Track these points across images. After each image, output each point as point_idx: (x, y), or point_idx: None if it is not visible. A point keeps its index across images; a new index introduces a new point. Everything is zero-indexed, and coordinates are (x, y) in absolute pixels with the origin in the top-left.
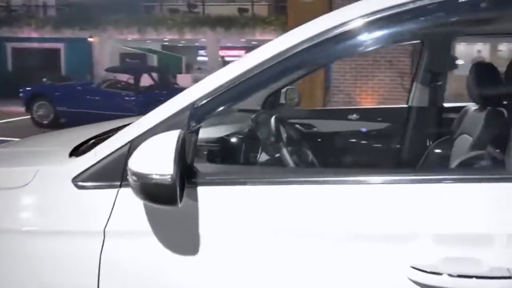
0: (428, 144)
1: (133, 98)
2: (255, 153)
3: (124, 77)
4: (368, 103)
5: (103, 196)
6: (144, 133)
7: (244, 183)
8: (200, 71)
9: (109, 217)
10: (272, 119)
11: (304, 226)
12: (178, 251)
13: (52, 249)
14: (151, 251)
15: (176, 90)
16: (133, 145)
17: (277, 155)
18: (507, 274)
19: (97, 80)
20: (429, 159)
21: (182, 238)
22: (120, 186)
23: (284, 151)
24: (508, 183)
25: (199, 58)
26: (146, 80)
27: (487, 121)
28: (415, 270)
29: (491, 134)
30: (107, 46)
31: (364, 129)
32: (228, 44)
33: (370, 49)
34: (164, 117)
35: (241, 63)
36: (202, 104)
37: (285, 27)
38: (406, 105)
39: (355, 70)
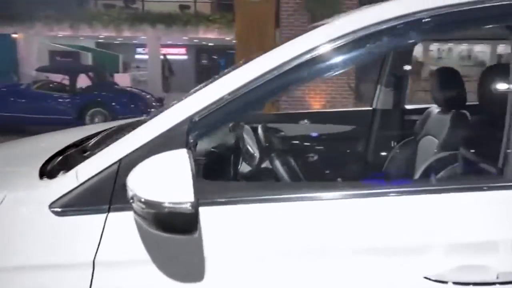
0: (392, 145)
1: (68, 100)
2: (250, 165)
3: (57, 77)
4: (316, 103)
5: (90, 223)
6: (135, 150)
7: (250, 202)
8: (139, 70)
9: (98, 245)
10: (246, 128)
11: (317, 242)
12: (181, 279)
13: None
14: (150, 281)
15: (118, 90)
16: (123, 164)
17: (262, 165)
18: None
19: (26, 80)
20: (394, 160)
21: (186, 265)
22: (109, 210)
23: (277, 163)
24: (507, 191)
25: (138, 56)
26: (82, 80)
27: (453, 124)
28: (428, 280)
29: (457, 136)
30: (34, 43)
31: (315, 134)
32: (169, 42)
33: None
34: (157, 132)
35: (242, 74)
36: (201, 118)
37: (230, 25)
38: (370, 108)
39: None
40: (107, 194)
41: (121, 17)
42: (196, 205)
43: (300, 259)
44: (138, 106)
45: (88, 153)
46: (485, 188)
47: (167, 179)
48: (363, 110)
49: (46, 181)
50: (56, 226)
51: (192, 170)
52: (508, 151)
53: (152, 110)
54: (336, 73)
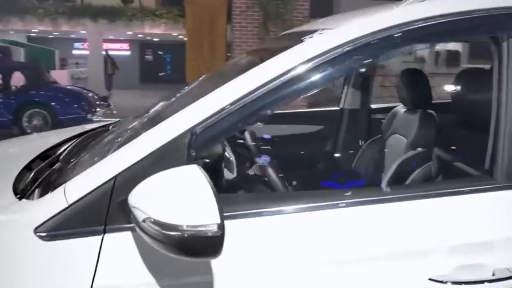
0: (360, 144)
1: (1, 100)
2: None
3: None
4: (298, 103)
5: (83, 246)
6: (132, 166)
7: (265, 214)
8: (78, 66)
9: (95, 270)
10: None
11: (333, 251)
12: None
13: None
14: None
15: (57, 89)
16: (118, 181)
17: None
18: (509, 275)
19: None
20: (363, 158)
21: (197, 285)
22: (105, 231)
23: (270, 170)
24: (499, 192)
25: (76, 52)
26: (17, 79)
27: (422, 123)
28: (433, 282)
29: (427, 135)
30: None
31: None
32: (111, 37)
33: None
34: (155, 146)
35: (246, 82)
36: (203, 130)
37: (177, 21)
38: (338, 108)
39: None
40: (101, 214)
41: (59, 10)
42: (222, 226)
43: (319, 269)
44: (81, 106)
45: (62, 165)
46: (477, 190)
47: (185, 199)
48: (331, 110)
49: (26, 202)
50: (44, 252)
51: (212, 188)
52: (497, 152)
53: (98, 109)
54: (336, 79)
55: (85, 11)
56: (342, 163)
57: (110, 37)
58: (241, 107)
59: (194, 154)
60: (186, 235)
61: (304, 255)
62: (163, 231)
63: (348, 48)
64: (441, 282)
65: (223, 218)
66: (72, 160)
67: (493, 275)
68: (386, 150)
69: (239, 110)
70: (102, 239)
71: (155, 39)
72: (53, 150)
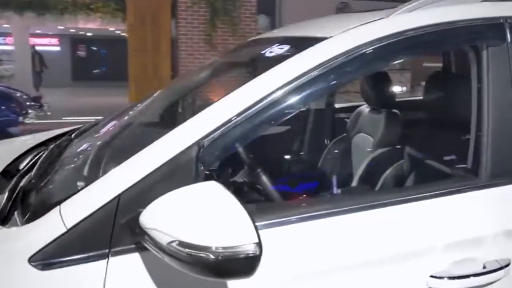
0: (326, 143)
1: None
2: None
3: None
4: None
5: (87, 273)
6: (136, 183)
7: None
8: (2, 63)
9: None
10: None
11: (354, 255)
12: None
13: None
14: None
15: None
16: (122, 201)
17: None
18: (498, 266)
19: None
20: (329, 157)
21: None
22: (109, 255)
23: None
24: (484, 190)
25: None
26: None
27: (388, 123)
28: (433, 278)
29: (393, 133)
30: None
31: None
32: (38, 31)
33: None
34: (161, 161)
35: (253, 91)
36: (212, 142)
37: (115, 15)
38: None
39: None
40: (105, 236)
41: None
42: (260, 245)
43: (347, 273)
44: (10, 108)
45: (42, 181)
46: (465, 190)
47: (214, 218)
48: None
49: (13, 228)
50: (42, 283)
51: (242, 205)
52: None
53: (30, 111)
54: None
55: (9, 3)
56: (308, 162)
57: (38, 31)
58: (250, 117)
59: (202, 168)
60: (221, 256)
61: (324, 260)
62: (195, 254)
63: (354, 55)
64: (440, 278)
65: (259, 236)
66: (52, 175)
67: (484, 267)
68: (352, 148)
69: (248, 120)
70: (107, 263)
71: (89, 34)
72: (16, 164)
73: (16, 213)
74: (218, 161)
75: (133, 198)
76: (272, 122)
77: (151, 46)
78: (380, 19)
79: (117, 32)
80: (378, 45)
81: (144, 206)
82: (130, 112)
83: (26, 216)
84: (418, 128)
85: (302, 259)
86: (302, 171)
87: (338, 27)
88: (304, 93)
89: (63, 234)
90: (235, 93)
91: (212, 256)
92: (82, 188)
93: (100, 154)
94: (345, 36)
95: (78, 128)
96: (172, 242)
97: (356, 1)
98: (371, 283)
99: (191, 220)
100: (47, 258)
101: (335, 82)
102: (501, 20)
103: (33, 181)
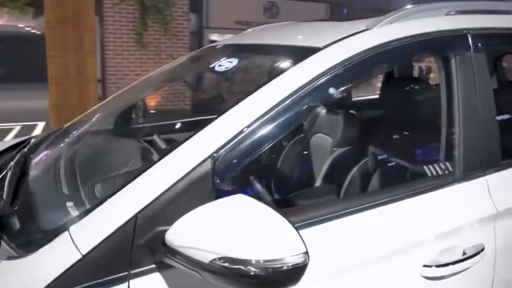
0: (284, 143)
1: None
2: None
3: None
4: (151, 100)
5: None
6: (153, 202)
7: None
8: None
9: None
10: None
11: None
12: None
13: None
14: None
15: None
16: (140, 220)
17: None
18: (475, 251)
19: None
20: (288, 157)
21: None
22: (129, 277)
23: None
24: (459, 184)
25: None
26: None
27: (346, 123)
28: (425, 267)
29: (351, 133)
30: None
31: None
32: None
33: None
34: (176, 177)
35: (263, 99)
36: (226, 154)
37: (24, 10)
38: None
39: (134, 64)
40: (124, 258)
41: None
42: (308, 253)
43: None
44: None
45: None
46: (442, 185)
47: (257, 231)
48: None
49: (12, 260)
50: None
51: (282, 216)
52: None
53: None
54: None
55: None
56: (267, 163)
57: None
58: (262, 126)
59: (218, 181)
60: (271, 269)
61: (336, 261)
62: (245, 269)
63: (350, 64)
64: (429, 266)
65: (306, 244)
66: (32, 196)
67: (464, 254)
68: (311, 148)
69: (261, 129)
70: (129, 286)
71: None
72: None
73: (2, 242)
74: (232, 173)
75: (151, 217)
76: (280, 130)
77: (73, 45)
78: (365, 30)
79: (27, 29)
80: (369, 55)
81: (163, 224)
82: (93, 120)
83: (22, 245)
84: (377, 128)
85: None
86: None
87: (323, 37)
88: (308, 102)
89: (78, 261)
90: (243, 103)
91: (262, 270)
92: (89, 210)
93: (80, 168)
94: (340, 47)
95: (28, 141)
96: (216, 259)
97: (284, 0)
98: (379, 276)
99: (234, 235)
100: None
101: (335, 89)
102: (465, 31)
103: (9, 205)
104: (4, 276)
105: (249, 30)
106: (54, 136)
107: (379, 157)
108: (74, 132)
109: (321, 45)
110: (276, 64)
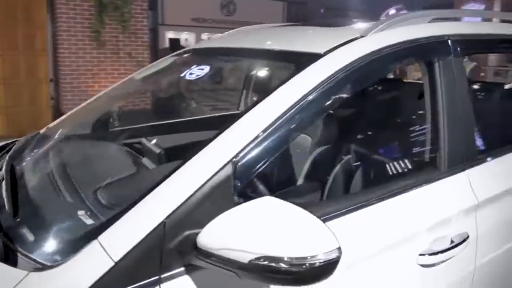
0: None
1: None
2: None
3: None
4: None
5: None
6: (180, 206)
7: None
8: None
9: None
10: None
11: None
12: None
13: None
14: None
15: None
16: (168, 225)
17: None
18: (462, 239)
19: None
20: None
21: None
22: (160, 281)
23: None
24: (444, 179)
25: None
26: None
27: (325, 123)
28: (421, 256)
29: (331, 132)
30: None
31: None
32: None
33: None
34: (199, 182)
35: (277, 103)
36: (244, 159)
37: None
38: (237, 111)
39: (91, 64)
40: (154, 263)
41: None
42: (340, 248)
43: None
44: None
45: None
46: (430, 180)
47: (293, 230)
48: (230, 114)
49: (46, 270)
50: None
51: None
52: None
53: None
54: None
55: None
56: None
57: None
58: (278, 128)
59: (239, 185)
60: (312, 265)
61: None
62: (285, 267)
63: (351, 70)
64: (424, 255)
65: (338, 240)
66: (37, 206)
67: (452, 242)
68: (290, 148)
69: (275, 133)
70: None
71: None
72: None
73: (19, 254)
74: (251, 176)
75: (178, 221)
76: (294, 134)
77: (23, 43)
78: (361, 37)
79: None
80: (366, 60)
81: (189, 228)
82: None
83: (45, 256)
84: (355, 126)
85: None
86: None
87: (321, 43)
88: (317, 106)
89: (111, 268)
90: (256, 109)
91: (300, 266)
92: (115, 217)
93: (76, 176)
94: (340, 53)
95: (10, 147)
96: (255, 258)
97: None
98: (385, 265)
99: (269, 235)
100: None
101: (341, 92)
102: (446, 38)
103: (12, 216)
104: (35, 287)
105: (232, 32)
106: (39, 141)
107: (359, 154)
108: (57, 137)
109: (321, 51)
110: (282, 69)
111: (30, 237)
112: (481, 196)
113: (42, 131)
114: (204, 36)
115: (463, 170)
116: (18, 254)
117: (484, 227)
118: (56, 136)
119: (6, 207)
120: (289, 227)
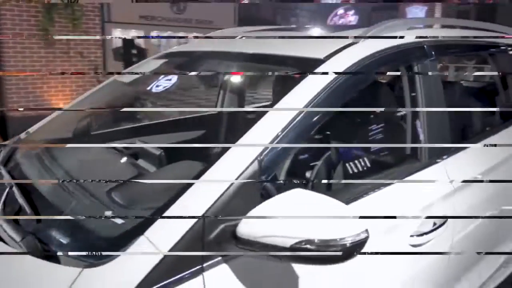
0: None
1: None
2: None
3: None
4: (60, 100)
5: None
6: (216, 201)
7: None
8: None
9: None
10: None
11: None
12: None
13: None
14: None
15: None
16: (207, 220)
17: None
18: (443, 221)
19: None
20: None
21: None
22: (203, 269)
23: None
24: (426, 169)
25: None
26: None
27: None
28: (411, 237)
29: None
30: None
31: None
32: None
33: None
34: (231, 179)
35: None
36: (268, 155)
37: None
38: (215, 111)
39: (39, 63)
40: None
41: None
42: (368, 230)
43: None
44: None
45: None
46: (415, 171)
47: (327, 216)
48: (209, 115)
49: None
50: None
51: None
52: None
53: None
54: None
55: None
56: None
57: None
58: (292, 130)
59: (264, 179)
60: (348, 245)
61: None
62: (325, 248)
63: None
64: (412, 236)
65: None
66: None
67: (435, 224)
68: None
69: (292, 132)
70: (203, 278)
71: None
72: None
73: (62, 253)
74: (274, 171)
75: (215, 215)
76: (307, 132)
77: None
78: (356, 43)
79: None
80: (362, 65)
81: (224, 221)
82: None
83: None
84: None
85: None
86: None
87: (317, 48)
88: (326, 105)
89: (161, 261)
90: (274, 111)
91: (338, 247)
92: (155, 213)
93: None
94: (339, 58)
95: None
96: (296, 243)
97: None
98: (384, 245)
99: (308, 221)
100: (150, 286)
101: (344, 94)
102: (423, 43)
103: (36, 222)
104: (89, 283)
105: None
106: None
107: (338, 149)
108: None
109: (321, 57)
110: (287, 72)
111: (66, 238)
112: (456, 182)
113: (22, 135)
114: (153, 34)
115: (440, 161)
116: (61, 254)
117: (459, 209)
118: (46, 139)
119: (28, 212)
120: (322, 213)
